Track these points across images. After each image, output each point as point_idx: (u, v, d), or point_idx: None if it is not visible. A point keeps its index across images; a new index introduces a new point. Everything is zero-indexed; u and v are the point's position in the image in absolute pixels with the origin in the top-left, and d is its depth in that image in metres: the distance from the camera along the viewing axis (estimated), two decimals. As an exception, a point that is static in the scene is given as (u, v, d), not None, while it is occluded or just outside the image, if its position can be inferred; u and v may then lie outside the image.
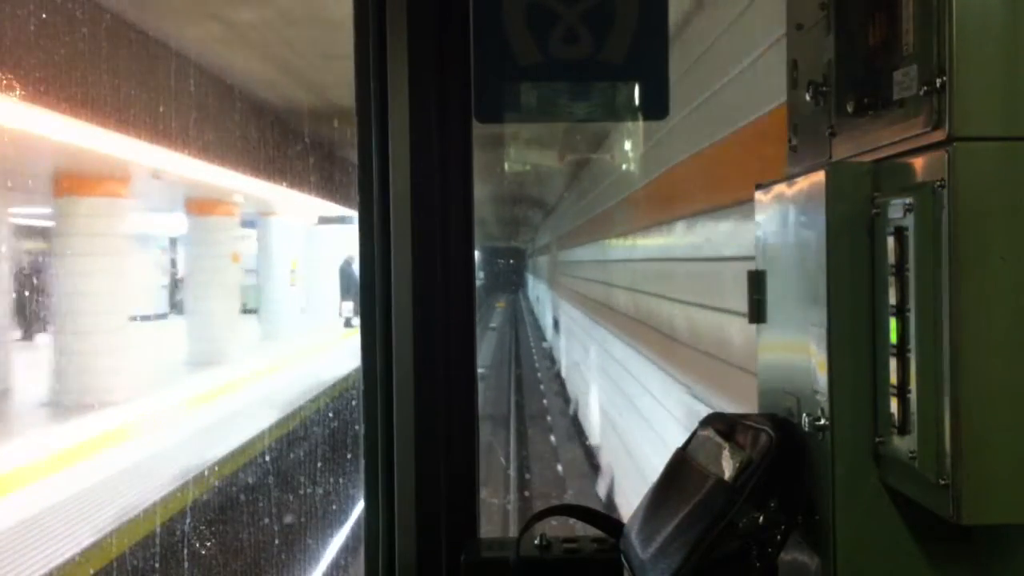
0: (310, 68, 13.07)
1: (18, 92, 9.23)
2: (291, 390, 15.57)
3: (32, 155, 12.10)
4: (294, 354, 19.86)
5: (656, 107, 2.18)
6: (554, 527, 1.94)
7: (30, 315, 16.16)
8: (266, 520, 9.80)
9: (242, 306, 21.07)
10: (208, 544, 8.99)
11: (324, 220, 23.94)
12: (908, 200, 1.11)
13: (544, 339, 28.30)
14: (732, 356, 5.03)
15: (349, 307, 24.02)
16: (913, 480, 1.14)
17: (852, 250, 1.23)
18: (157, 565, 8.55)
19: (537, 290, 37.95)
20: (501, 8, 2.09)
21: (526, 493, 11.88)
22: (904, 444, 1.13)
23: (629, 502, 7.72)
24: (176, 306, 24.94)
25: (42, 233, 16.68)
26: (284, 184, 17.62)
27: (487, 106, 2.13)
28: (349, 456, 11.33)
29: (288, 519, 9.99)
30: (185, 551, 8.70)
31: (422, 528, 2.03)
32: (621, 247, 10.92)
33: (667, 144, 7.18)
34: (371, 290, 2.05)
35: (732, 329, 5.06)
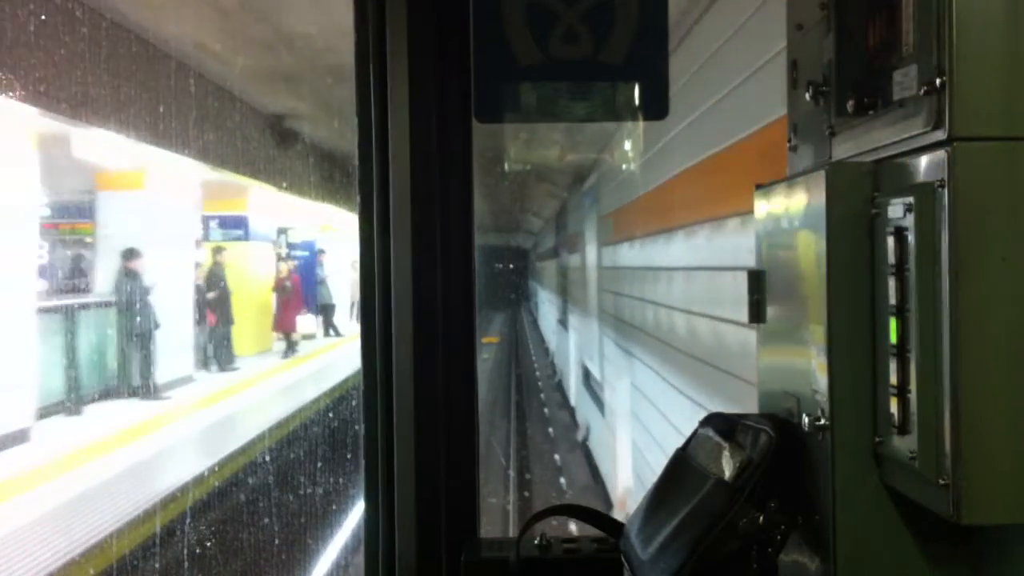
0: None
1: None
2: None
3: None
4: None
5: (656, 107, 2.17)
6: (554, 527, 1.94)
7: None
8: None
9: None
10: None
11: None
12: (908, 200, 1.11)
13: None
14: None
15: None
16: (913, 480, 1.14)
17: (852, 250, 1.23)
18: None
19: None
20: (501, 8, 2.09)
21: None
22: (904, 444, 1.13)
23: None
24: None
25: None
26: None
27: (487, 106, 2.13)
28: None
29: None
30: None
31: (422, 528, 2.03)
32: None
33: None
34: (371, 290, 2.05)
35: None
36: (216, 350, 15.40)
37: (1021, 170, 1.07)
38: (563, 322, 19.14)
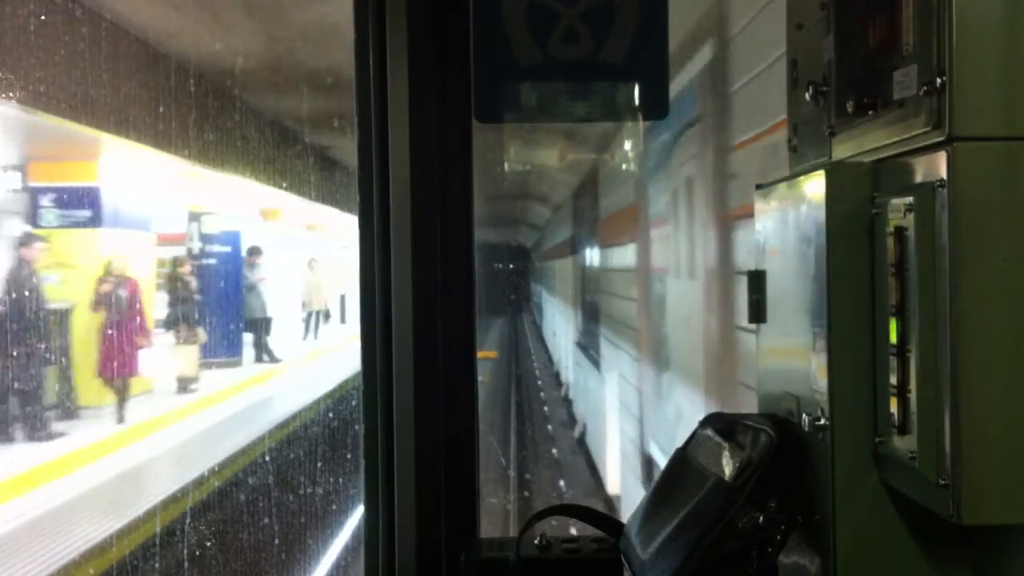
0: None
1: None
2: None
3: None
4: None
5: (656, 107, 2.18)
6: (554, 527, 1.94)
7: None
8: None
9: None
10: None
11: None
12: (908, 200, 1.11)
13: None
14: None
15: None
16: (913, 480, 1.14)
17: (852, 250, 1.23)
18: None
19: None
20: (501, 8, 2.09)
21: None
22: (904, 444, 1.13)
23: None
24: None
25: None
26: None
27: (487, 106, 2.13)
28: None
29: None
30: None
31: (422, 528, 2.03)
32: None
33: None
34: (371, 290, 2.05)
35: None
36: (25, 406, 8.72)
37: (1021, 170, 1.07)
38: (587, 349, 13.57)
